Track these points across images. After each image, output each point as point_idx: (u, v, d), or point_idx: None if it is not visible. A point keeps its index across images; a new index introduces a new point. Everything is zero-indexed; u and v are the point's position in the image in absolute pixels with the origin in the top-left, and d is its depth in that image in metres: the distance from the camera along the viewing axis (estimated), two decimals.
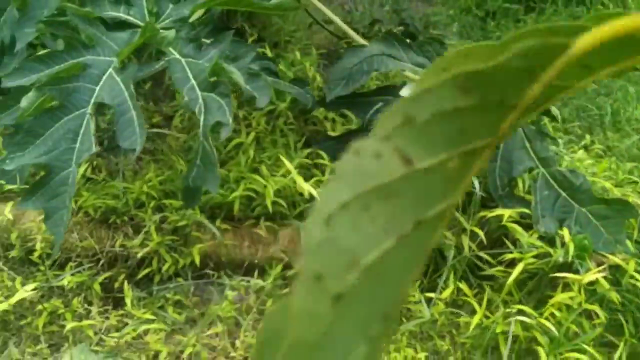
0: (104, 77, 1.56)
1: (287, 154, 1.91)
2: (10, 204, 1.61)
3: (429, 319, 1.54)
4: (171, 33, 1.63)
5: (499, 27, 4.20)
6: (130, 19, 1.80)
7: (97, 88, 1.54)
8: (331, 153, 2.00)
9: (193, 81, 1.62)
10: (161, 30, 1.63)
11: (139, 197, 1.69)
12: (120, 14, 1.81)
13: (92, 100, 1.52)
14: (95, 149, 1.44)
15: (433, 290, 1.65)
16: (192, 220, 1.63)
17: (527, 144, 1.80)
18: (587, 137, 2.32)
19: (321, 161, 1.93)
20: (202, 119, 1.57)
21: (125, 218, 1.69)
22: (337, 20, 2.69)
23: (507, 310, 1.50)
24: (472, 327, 1.45)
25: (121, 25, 1.80)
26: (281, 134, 2.01)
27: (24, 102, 1.63)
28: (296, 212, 1.78)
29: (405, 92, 1.92)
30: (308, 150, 1.95)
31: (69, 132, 1.49)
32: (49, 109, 1.51)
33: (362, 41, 2.34)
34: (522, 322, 1.45)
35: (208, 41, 1.71)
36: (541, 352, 1.40)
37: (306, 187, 1.75)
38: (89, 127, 1.48)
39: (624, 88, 2.74)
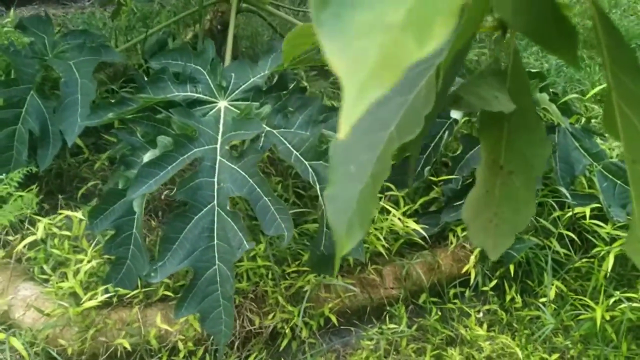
0: (217, 167, 1.56)
1: None
2: (159, 315, 1.57)
3: (553, 322, 1.73)
4: (267, 108, 1.65)
5: None
6: (202, 96, 1.79)
7: (215, 180, 1.54)
8: (391, 180, 2.10)
9: (295, 152, 1.66)
10: (257, 110, 1.64)
11: (255, 270, 1.72)
12: (189, 93, 1.79)
13: (216, 194, 1.51)
14: (246, 245, 1.44)
15: (535, 295, 1.85)
16: (316, 283, 1.69)
17: (577, 144, 2.02)
18: None
19: (392, 193, 2.03)
20: (317, 187, 1.62)
21: (249, 294, 1.71)
22: None
23: (613, 299, 1.72)
24: (598, 320, 1.64)
25: (193, 104, 1.78)
26: None
27: (137, 208, 1.60)
28: (394, 249, 1.88)
29: (455, 112, 2.07)
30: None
31: (203, 231, 1.49)
32: (179, 213, 1.49)
33: None
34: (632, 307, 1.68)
35: (292, 108, 1.73)
36: None
37: (398, 223, 1.86)
38: (224, 222, 1.48)
39: None
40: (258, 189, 1.51)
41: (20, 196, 1.91)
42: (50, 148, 2.06)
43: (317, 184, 1.62)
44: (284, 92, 1.74)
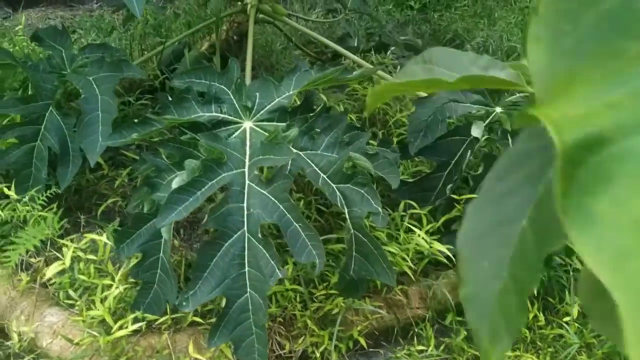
0: (246, 192, 1.54)
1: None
2: (190, 343, 1.56)
3: (577, 342, 1.72)
4: (294, 131, 1.63)
5: (441, 17, 4.40)
6: (227, 117, 1.77)
7: (245, 205, 1.52)
8: (407, 197, 2.09)
9: (322, 174, 1.65)
10: (284, 133, 1.63)
11: (283, 293, 1.71)
12: (214, 113, 1.78)
13: (246, 219, 1.50)
14: (279, 274, 1.43)
15: (557, 312, 1.84)
16: (346, 307, 1.68)
17: None
18: None
19: (415, 211, 2.02)
20: (346, 211, 1.61)
21: (277, 318, 1.70)
22: (331, 43, 2.76)
23: None
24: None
25: (218, 125, 1.77)
26: None
27: (165, 234, 1.58)
28: (419, 269, 1.87)
29: (475, 131, 2.05)
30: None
31: (234, 258, 1.48)
32: (209, 241, 1.48)
33: (362, 62, 2.43)
34: None
35: (318, 129, 1.72)
36: None
37: (423, 243, 1.85)
38: (255, 249, 1.47)
39: None
40: (288, 215, 1.50)
41: (42, 217, 1.90)
42: (71, 166, 2.04)
43: (345, 207, 1.61)
44: (311, 114, 1.73)
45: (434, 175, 2.11)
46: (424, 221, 1.97)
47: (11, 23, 4.29)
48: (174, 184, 1.55)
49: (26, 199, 1.94)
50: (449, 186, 2.03)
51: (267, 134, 1.74)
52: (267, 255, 1.45)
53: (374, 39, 3.63)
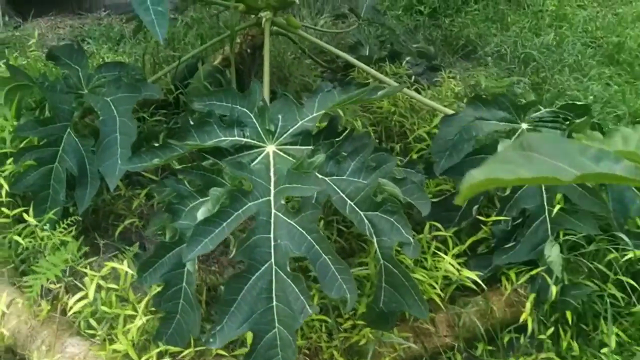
0: (272, 222, 1.50)
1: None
2: None
3: None
4: (320, 157, 1.59)
5: (452, 23, 4.34)
6: (250, 141, 1.73)
7: (272, 236, 1.48)
8: (431, 217, 2.04)
9: (349, 201, 1.60)
10: (309, 159, 1.58)
11: (309, 323, 1.67)
12: (236, 137, 1.74)
13: (273, 251, 1.46)
14: (309, 310, 1.39)
15: (591, 340, 1.79)
16: (374, 339, 1.64)
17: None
18: None
19: (440, 233, 1.97)
20: (374, 240, 1.57)
21: (302, 349, 1.66)
22: (342, 54, 2.71)
23: None
24: None
25: (241, 149, 1.73)
26: None
27: (190, 266, 1.55)
28: (447, 295, 1.83)
29: (501, 149, 2.00)
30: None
31: (262, 292, 1.44)
32: (237, 274, 1.44)
33: (372, 71, 2.39)
34: None
35: (344, 152, 1.67)
36: None
37: (451, 270, 1.80)
38: (283, 283, 1.43)
39: None
40: (317, 247, 1.46)
41: (61, 241, 1.86)
42: (89, 188, 2.00)
43: (373, 236, 1.57)
44: (337, 139, 1.68)
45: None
46: (450, 243, 1.92)
47: (22, 33, 4.26)
48: (200, 215, 1.51)
49: (45, 223, 1.91)
50: (475, 207, 1.98)
51: (290, 158, 1.70)
52: (297, 290, 1.41)
53: (386, 47, 3.58)
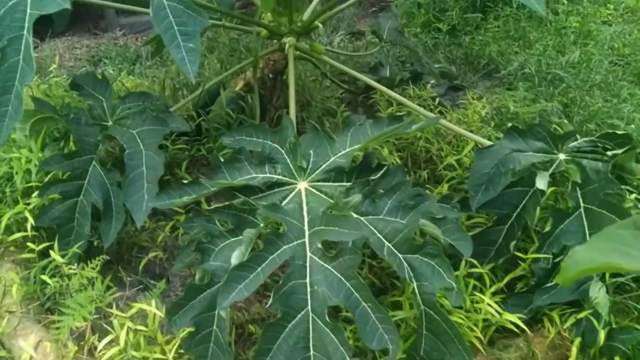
0: (308, 265, 1.44)
1: None
2: None
3: None
4: (357, 197, 1.53)
5: (473, 41, 4.26)
6: (282, 178, 1.68)
7: (308, 282, 1.42)
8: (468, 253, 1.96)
9: (387, 243, 1.54)
10: (345, 199, 1.53)
11: None
12: (268, 174, 1.68)
13: (309, 297, 1.40)
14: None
15: None
16: None
17: None
18: None
19: (476, 270, 1.90)
20: (414, 284, 1.50)
21: None
22: (364, 78, 2.66)
23: None
24: None
25: (272, 186, 1.68)
26: None
27: (223, 313, 1.49)
28: (486, 337, 1.75)
29: (540, 182, 1.93)
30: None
31: (298, 341, 1.37)
32: (273, 322, 1.38)
33: (397, 96, 2.33)
34: None
35: (381, 190, 1.61)
36: None
37: (492, 312, 1.73)
38: (321, 332, 1.37)
39: None
40: (356, 294, 1.39)
41: (87, 277, 1.82)
42: (114, 222, 1.96)
43: (413, 280, 1.50)
44: (372, 176, 1.62)
45: (493, 229, 1.99)
46: (486, 280, 1.85)
47: (40, 54, 4.27)
48: (234, 259, 1.46)
49: (70, 257, 1.87)
50: (512, 243, 1.91)
51: (324, 195, 1.64)
52: (336, 340, 1.34)
53: (406, 68, 3.52)
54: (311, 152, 1.73)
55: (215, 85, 2.75)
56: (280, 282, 1.40)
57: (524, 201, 1.96)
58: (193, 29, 1.52)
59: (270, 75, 2.79)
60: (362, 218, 1.58)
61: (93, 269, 1.88)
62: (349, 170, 1.69)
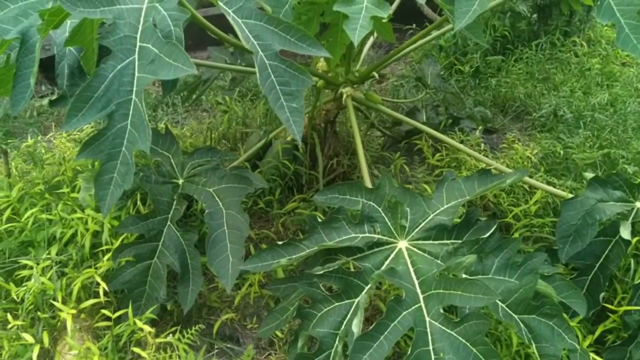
0: (429, 332, 1.38)
1: None
2: None
3: None
4: (471, 258, 1.49)
5: (499, 83, 4.30)
6: (382, 237, 1.63)
7: (431, 349, 1.36)
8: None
9: (501, 304, 1.49)
10: (457, 260, 1.48)
11: None
12: (367, 234, 1.64)
13: None
14: None
15: None
16: None
17: None
18: None
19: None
20: (534, 347, 1.45)
21: None
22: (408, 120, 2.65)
23: None
24: None
25: (371, 246, 1.63)
26: None
27: None
28: None
29: (625, 232, 1.91)
30: None
31: None
32: None
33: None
34: None
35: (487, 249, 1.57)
36: None
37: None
38: None
39: None
40: None
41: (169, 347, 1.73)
42: (191, 285, 1.89)
43: (532, 342, 1.45)
44: (482, 237, 1.58)
45: (575, 280, 1.95)
46: (579, 334, 1.79)
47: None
48: (354, 327, 1.39)
49: (144, 321, 1.79)
50: (602, 295, 1.87)
51: (427, 255, 1.60)
52: None
53: (440, 112, 3.53)
54: (407, 209, 1.69)
55: (267, 135, 2.73)
56: (408, 353, 1.33)
57: (607, 251, 1.93)
58: (296, 89, 1.50)
59: (322, 125, 2.78)
60: (471, 278, 1.53)
61: (172, 334, 1.80)
62: (451, 228, 1.65)
